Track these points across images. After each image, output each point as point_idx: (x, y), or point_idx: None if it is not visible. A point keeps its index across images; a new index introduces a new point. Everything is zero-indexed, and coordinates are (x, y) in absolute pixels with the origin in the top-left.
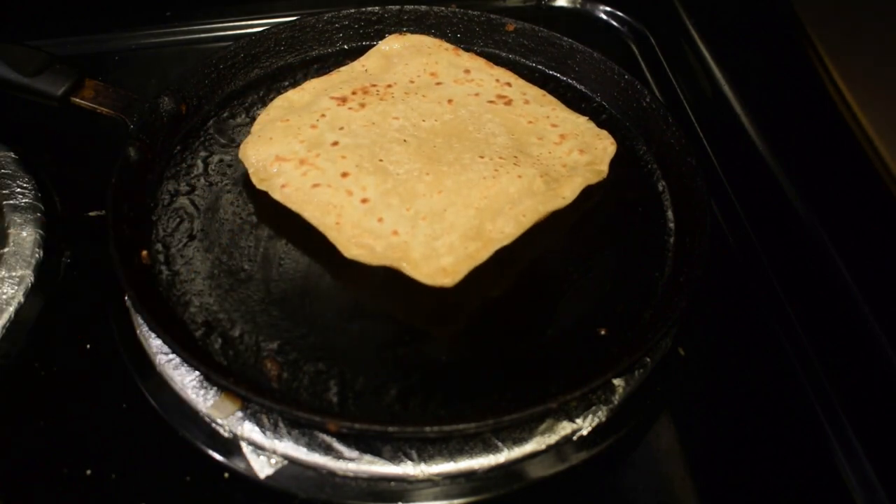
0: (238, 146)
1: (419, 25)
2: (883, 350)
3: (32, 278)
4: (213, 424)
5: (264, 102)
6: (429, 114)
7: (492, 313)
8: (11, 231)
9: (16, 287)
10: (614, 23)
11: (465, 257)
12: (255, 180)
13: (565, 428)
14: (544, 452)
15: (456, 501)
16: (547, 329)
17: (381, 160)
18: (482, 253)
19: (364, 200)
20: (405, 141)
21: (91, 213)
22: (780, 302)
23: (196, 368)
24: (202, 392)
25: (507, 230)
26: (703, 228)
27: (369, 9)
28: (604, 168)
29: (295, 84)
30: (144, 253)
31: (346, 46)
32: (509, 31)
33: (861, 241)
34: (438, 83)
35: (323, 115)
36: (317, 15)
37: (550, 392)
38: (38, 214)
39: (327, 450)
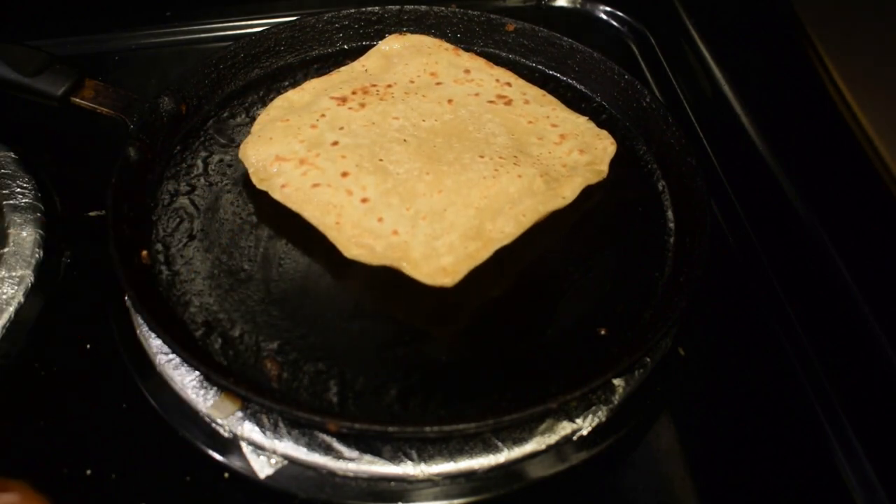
0: (238, 146)
1: (419, 25)
2: (883, 350)
3: (32, 278)
4: (213, 424)
5: (264, 102)
6: (429, 114)
7: (492, 313)
8: (11, 231)
9: (16, 287)
10: (614, 23)
11: (465, 257)
12: (255, 180)
13: (565, 428)
14: (544, 452)
15: (456, 501)
16: (547, 329)
17: (381, 160)
18: (482, 253)
19: (364, 200)
20: (405, 141)
21: (91, 213)
22: (780, 302)
23: (196, 368)
24: (202, 392)
25: (507, 230)
26: (703, 228)
27: (369, 9)
28: (604, 168)
29: (295, 84)
30: (144, 253)
31: (346, 46)
32: (509, 31)
33: (861, 241)
34: (438, 83)
35: (323, 115)
36: (317, 15)
37: (550, 392)
38: (38, 214)
39: (327, 450)
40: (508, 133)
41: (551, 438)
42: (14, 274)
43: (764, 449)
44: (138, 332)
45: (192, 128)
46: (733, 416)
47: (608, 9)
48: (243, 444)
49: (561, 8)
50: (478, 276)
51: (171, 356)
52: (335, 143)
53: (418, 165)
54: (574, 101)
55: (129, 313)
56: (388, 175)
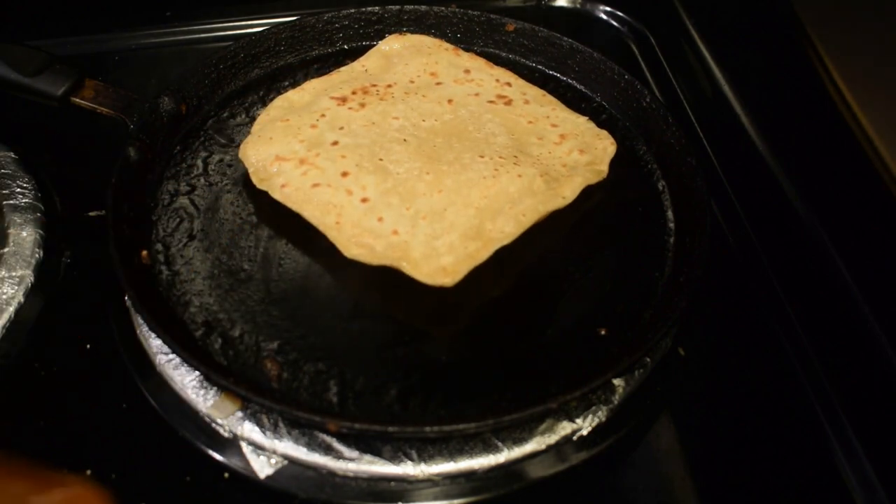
0: (238, 146)
1: (419, 25)
2: (883, 350)
3: (32, 278)
4: (213, 424)
5: (264, 102)
6: (429, 114)
7: (492, 313)
8: (11, 231)
9: (16, 287)
10: (614, 23)
11: (465, 257)
12: (255, 180)
13: (565, 428)
14: (544, 452)
15: (456, 501)
16: (547, 329)
17: (381, 160)
18: (482, 252)
19: (364, 200)
20: (405, 140)
21: (91, 213)
22: (780, 302)
23: (196, 368)
24: (202, 392)
25: (507, 230)
26: (703, 228)
27: (369, 9)
28: (604, 168)
29: (295, 84)
30: (144, 253)
31: (346, 46)
32: (509, 31)
33: (861, 241)
34: (438, 83)
35: (323, 115)
36: (317, 15)
37: (550, 392)
38: (38, 214)
39: (327, 450)
40: (508, 133)
41: (551, 438)
42: (14, 274)
43: (764, 449)
44: (138, 332)
45: (192, 128)
46: (733, 416)
47: (608, 9)
48: (243, 444)
49: (561, 8)
50: (478, 276)
51: (171, 356)
52: (335, 143)
53: (418, 165)
54: (574, 101)
55: (129, 313)
56: (388, 175)
